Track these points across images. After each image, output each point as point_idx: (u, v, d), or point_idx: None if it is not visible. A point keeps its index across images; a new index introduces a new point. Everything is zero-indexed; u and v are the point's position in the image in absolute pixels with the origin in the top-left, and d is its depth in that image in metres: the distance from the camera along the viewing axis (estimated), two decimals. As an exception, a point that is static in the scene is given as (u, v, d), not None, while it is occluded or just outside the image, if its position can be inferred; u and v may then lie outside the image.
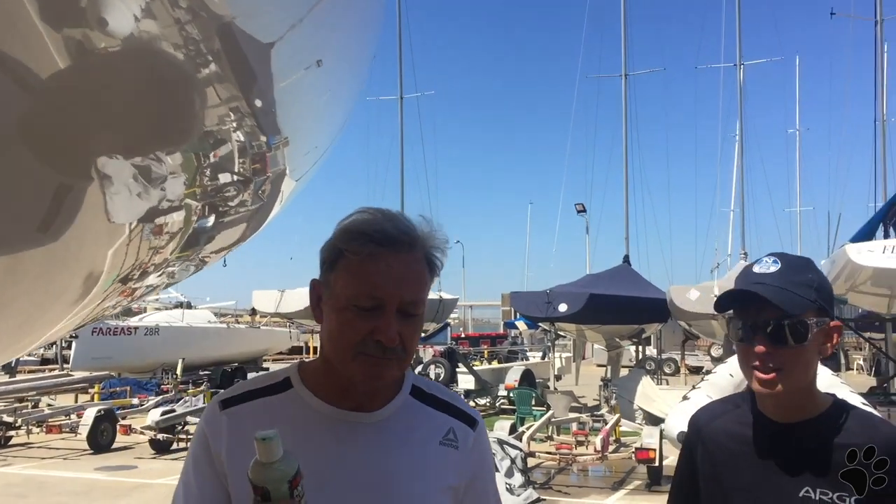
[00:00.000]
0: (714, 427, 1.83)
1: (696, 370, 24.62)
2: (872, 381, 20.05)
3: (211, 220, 2.00)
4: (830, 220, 26.75)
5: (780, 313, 1.64)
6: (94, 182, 1.26)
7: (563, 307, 15.64)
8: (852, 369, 30.62)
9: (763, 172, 70.71)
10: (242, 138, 1.76)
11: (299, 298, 21.08)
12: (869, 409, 9.21)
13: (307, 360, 1.66)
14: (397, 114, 33.26)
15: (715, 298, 1.76)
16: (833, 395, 1.77)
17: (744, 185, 32.46)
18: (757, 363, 1.67)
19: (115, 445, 13.99)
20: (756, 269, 1.72)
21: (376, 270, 1.41)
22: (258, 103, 1.68)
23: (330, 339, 1.47)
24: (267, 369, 28.66)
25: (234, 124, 1.68)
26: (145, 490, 10.68)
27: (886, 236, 16.23)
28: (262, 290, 21.46)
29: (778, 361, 1.65)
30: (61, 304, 1.60)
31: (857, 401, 9.77)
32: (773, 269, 1.70)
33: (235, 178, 1.90)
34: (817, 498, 1.63)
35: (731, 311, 1.73)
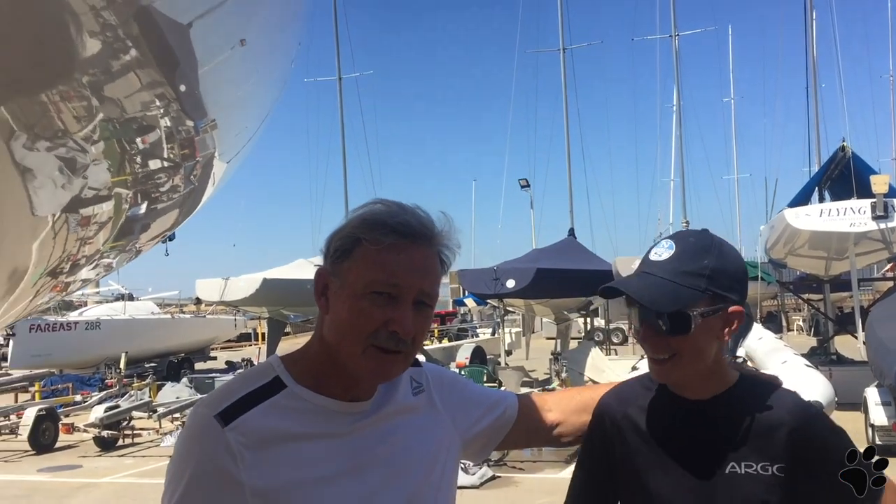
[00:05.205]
0: (625, 411, 1.75)
1: (643, 339, 25.01)
2: (812, 342, 20.59)
3: (143, 207, 1.97)
4: (768, 187, 27.39)
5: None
6: (12, 174, 1.22)
7: (510, 283, 15.65)
8: (792, 330, 31.45)
9: (701, 142, 72.13)
10: (169, 124, 1.71)
11: (244, 286, 20.75)
12: (812, 370, 9.44)
13: (285, 353, 1.56)
14: (336, 95, 32.85)
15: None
16: (742, 368, 1.74)
17: (683, 155, 32.97)
18: (648, 348, 1.63)
19: (58, 445, 13.53)
20: (651, 255, 1.64)
21: (396, 260, 1.39)
22: (182, 87, 1.64)
23: (338, 331, 1.42)
24: (215, 358, 28.28)
25: (161, 110, 1.63)
26: (91, 490, 10.40)
27: (822, 200, 16.61)
28: (206, 278, 21.04)
29: (666, 349, 1.60)
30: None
31: (800, 363, 9.97)
32: (666, 255, 1.61)
33: (165, 164, 1.86)
34: (743, 472, 1.59)
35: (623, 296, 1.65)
